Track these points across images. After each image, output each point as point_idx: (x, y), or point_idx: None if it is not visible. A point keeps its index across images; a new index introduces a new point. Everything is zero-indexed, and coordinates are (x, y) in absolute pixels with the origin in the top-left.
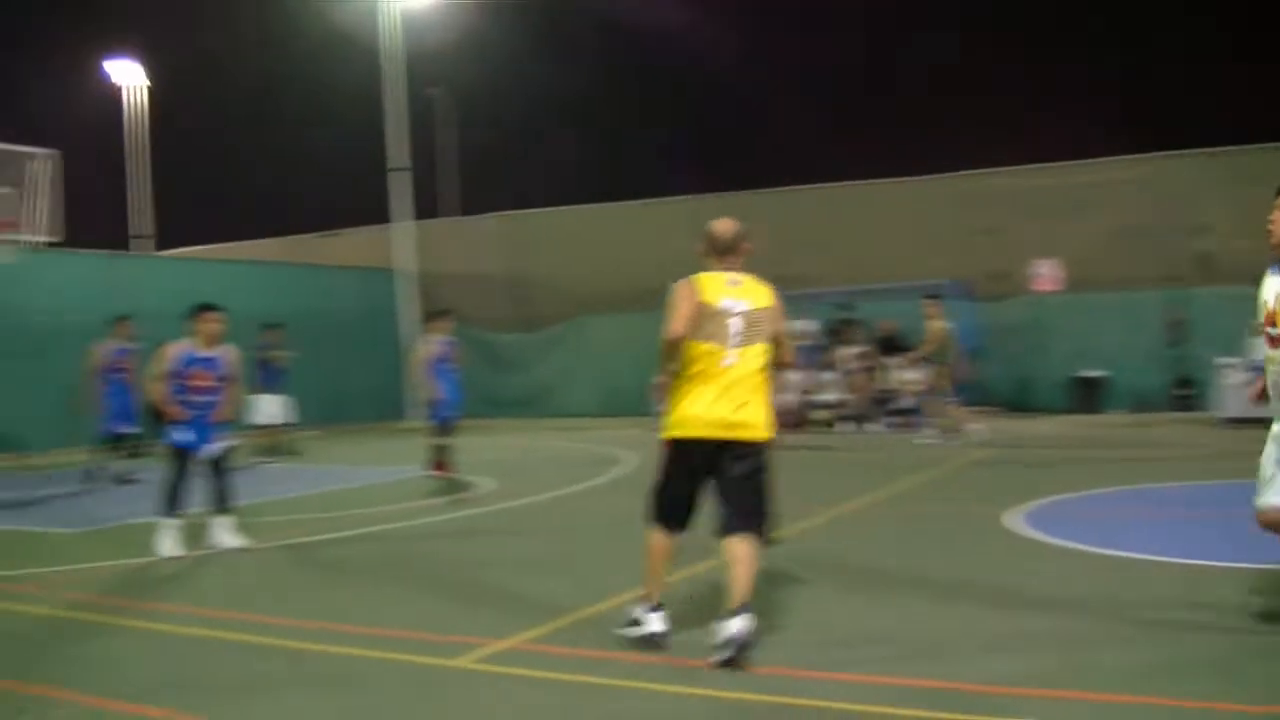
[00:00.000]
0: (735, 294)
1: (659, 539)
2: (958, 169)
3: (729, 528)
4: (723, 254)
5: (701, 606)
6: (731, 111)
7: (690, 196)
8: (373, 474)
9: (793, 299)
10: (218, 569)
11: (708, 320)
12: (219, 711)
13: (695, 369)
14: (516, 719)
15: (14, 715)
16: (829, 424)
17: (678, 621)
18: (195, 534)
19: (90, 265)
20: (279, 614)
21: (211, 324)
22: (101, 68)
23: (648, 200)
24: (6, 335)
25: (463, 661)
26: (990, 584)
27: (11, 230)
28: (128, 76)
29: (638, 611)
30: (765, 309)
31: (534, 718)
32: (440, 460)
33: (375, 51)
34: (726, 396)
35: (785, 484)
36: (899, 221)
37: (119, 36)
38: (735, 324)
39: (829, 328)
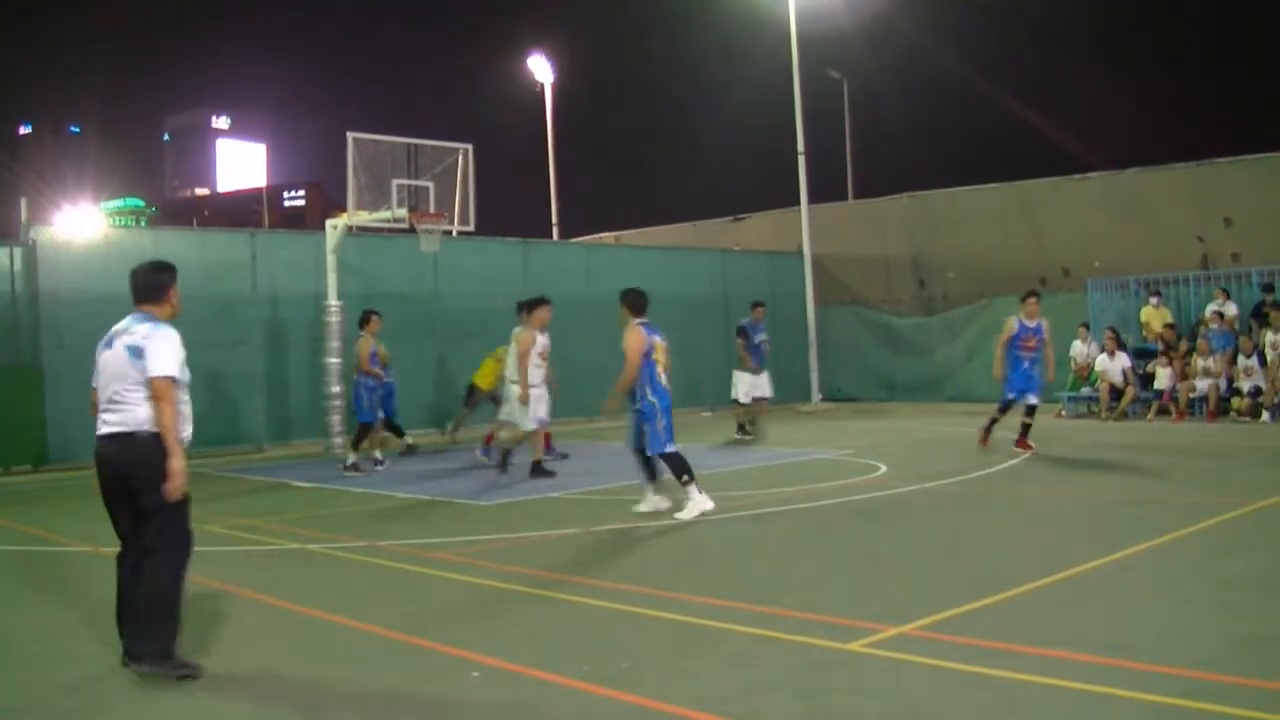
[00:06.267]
0: None
1: None
2: None
3: None
4: None
5: None
6: None
7: (1104, 173)
8: (773, 455)
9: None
10: (628, 543)
11: None
12: (622, 681)
13: None
14: (901, 708)
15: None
16: (1252, 413)
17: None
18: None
19: (505, 252)
20: (681, 590)
21: None
22: (520, 65)
23: (1058, 178)
24: (428, 319)
25: (855, 646)
26: None
27: (438, 221)
28: (546, 74)
29: None
30: None
31: (919, 707)
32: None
33: (783, 37)
34: None
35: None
36: None
37: (531, 34)
38: None
39: (1254, 310)
